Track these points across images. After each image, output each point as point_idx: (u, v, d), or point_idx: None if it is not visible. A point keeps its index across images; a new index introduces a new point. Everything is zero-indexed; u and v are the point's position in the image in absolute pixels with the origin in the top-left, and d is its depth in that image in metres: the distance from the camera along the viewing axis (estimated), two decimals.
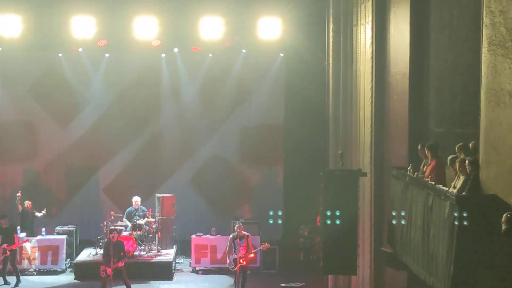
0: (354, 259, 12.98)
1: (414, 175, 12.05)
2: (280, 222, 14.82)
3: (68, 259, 19.22)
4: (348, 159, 15.07)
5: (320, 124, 18.24)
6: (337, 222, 12.60)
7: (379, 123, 14.41)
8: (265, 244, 17.37)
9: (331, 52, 17.09)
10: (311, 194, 21.15)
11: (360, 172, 13.30)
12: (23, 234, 18.92)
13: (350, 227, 12.87)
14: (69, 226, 19.93)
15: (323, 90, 17.79)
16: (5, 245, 15.73)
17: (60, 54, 21.32)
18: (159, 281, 17.97)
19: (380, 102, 14.44)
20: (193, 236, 19.37)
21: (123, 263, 15.78)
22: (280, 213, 14.83)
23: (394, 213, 12.68)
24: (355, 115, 15.33)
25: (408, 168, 12.52)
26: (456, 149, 10.97)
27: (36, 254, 18.77)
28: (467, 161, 10.25)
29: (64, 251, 19.02)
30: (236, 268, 15.99)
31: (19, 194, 19.70)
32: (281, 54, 21.38)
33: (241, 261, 15.91)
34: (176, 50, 21.33)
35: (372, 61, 14.58)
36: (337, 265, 13.20)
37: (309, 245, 18.41)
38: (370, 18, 14.72)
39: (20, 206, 19.45)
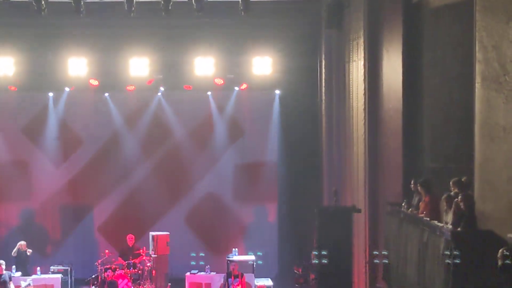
0: None
1: (409, 211, 12.08)
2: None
3: None
4: (342, 195, 15.10)
5: (314, 160, 18.30)
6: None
7: (373, 159, 14.47)
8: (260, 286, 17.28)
9: (323, 88, 17.23)
10: (306, 231, 21.17)
11: (354, 209, 13.36)
12: (18, 274, 18.84)
13: (345, 263, 12.86)
14: (64, 265, 19.82)
15: (317, 126, 17.91)
16: None
17: (51, 94, 21.46)
18: None
19: (374, 138, 14.53)
20: (188, 273, 19.27)
21: None
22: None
23: (385, 253, 12.70)
24: (349, 152, 15.40)
25: (403, 204, 12.56)
26: (450, 183, 11.02)
27: None
28: (460, 197, 10.28)
29: None
30: None
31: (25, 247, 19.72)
32: (277, 92, 21.52)
33: None
34: (163, 89, 21.49)
35: (365, 97, 14.71)
36: None
37: (304, 281, 18.32)
38: (362, 55, 14.88)
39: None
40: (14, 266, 18.99)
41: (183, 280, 19.32)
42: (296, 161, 21.40)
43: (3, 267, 17.23)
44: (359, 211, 13.49)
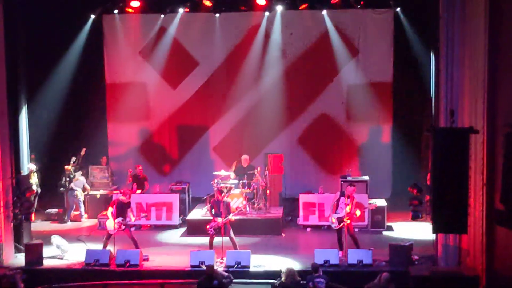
0: (465, 218, 12.82)
1: None
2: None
3: (181, 216, 19.77)
4: (459, 116, 14.77)
5: (429, 80, 17.92)
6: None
7: (492, 78, 13.99)
8: (372, 204, 17.37)
9: (444, 4, 16.50)
10: (421, 152, 20.99)
11: (471, 130, 13.05)
12: (138, 191, 19.70)
13: (461, 185, 12.70)
14: (182, 183, 20.48)
15: (435, 44, 17.38)
16: (121, 220, 16.18)
17: (163, 16, 21.80)
18: (268, 237, 18.25)
19: (494, 55, 13.99)
20: (301, 194, 19.52)
21: (229, 221, 16.10)
22: None
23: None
24: (468, 70, 14.96)
25: None
26: None
27: (152, 211, 19.39)
28: None
29: (178, 208, 19.56)
30: (339, 227, 16.03)
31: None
32: (393, 10, 21.06)
33: (345, 219, 15.93)
34: (278, 9, 21.37)
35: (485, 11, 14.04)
36: (447, 224, 13.08)
37: (418, 203, 18.27)
38: None
39: (130, 176, 20.12)
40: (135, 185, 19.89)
41: (296, 200, 19.61)
42: (411, 81, 21.07)
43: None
44: (476, 132, 13.19)
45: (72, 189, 20.20)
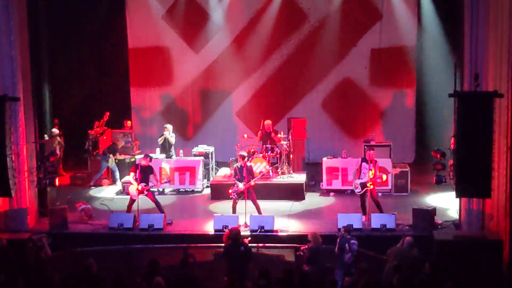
0: (488, 182, 12.76)
1: None
2: None
3: (205, 180, 19.84)
4: (483, 80, 14.62)
5: (454, 44, 17.74)
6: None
7: None
8: (395, 169, 17.34)
9: None
10: (444, 116, 20.82)
11: (496, 94, 12.93)
12: (162, 156, 19.78)
13: (485, 149, 12.62)
14: (205, 148, 20.50)
15: (459, 7, 17.17)
16: (144, 185, 16.26)
17: None
18: (291, 201, 18.30)
19: None
20: (324, 158, 19.51)
21: (252, 185, 16.14)
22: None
23: None
24: (492, 32, 14.76)
25: None
26: None
27: (175, 175, 19.47)
28: None
29: (201, 172, 19.62)
30: (362, 192, 16.04)
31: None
32: None
33: (368, 185, 15.93)
34: None
35: None
36: (471, 188, 13.05)
37: (442, 167, 18.12)
38: None
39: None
40: (157, 149, 19.93)
41: (319, 165, 19.61)
42: (436, 45, 20.87)
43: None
44: (501, 95, 13.06)
45: (104, 154, 20.25)
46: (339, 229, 14.22)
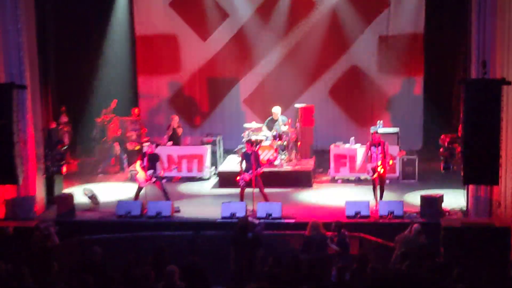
0: (496, 169, 12.74)
1: None
2: None
3: (213, 167, 19.85)
4: (491, 67, 14.57)
5: (462, 31, 17.66)
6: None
7: None
8: (400, 152, 17.35)
9: None
10: (452, 104, 20.79)
11: (503, 81, 12.89)
12: (169, 143, 19.78)
13: (492, 137, 12.60)
14: (213, 135, 20.50)
15: None
16: (151, 173, 16.24)
17: None
18: (299, 189, 18.30)
19: None
20: (332, 145, 19.49)
21: (259, 173, 16.14)
22: None
23: None
24: (500, 20, 14.70)
25: None
26: None
27: (183, 162, 19.49)
28: None
29: (209, 160, 19.63)
30: (374, 176, 16.02)
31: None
32: None
33: (379, 169, 15.91)
34: None
35: None
36: (479, 175, 13.04)
37: (449, 155, 18.12)
38: None
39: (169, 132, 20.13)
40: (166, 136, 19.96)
41: (327, 152, 19.59)
42: (444, 32, 20.78)
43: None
44: (508, 83, 13.03)
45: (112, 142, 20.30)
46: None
